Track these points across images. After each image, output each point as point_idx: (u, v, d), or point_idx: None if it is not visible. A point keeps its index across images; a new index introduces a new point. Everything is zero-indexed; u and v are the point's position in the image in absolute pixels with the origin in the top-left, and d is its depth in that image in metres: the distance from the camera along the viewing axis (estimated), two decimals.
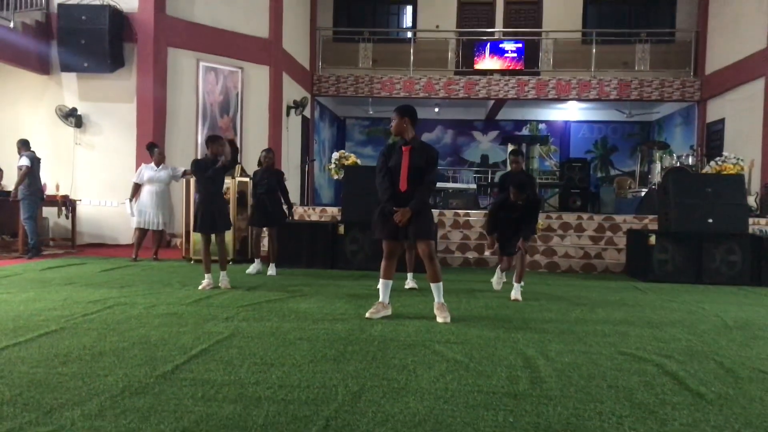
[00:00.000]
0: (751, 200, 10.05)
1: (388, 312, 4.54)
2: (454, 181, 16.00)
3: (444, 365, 3.22)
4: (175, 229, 9.37)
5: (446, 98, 14.81)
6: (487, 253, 8.22)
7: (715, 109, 13.55)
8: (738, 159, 9.74)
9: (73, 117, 10.00)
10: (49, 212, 9.57)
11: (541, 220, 8.38)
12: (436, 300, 4.51)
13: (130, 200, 8.05)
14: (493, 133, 17.33)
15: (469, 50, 15.10)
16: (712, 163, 10.02)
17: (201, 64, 10.87)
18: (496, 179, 14.97)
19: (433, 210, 5.20)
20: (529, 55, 14.92)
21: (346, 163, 10.17)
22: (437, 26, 15.42)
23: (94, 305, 4.72)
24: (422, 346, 3.62)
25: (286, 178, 7.48)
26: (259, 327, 4.06)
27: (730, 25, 12.92)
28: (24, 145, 8.26)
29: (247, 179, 8.10)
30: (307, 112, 13.99)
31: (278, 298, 5.29)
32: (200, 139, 10.68)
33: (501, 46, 14.88)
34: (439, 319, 4.36)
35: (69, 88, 10.19)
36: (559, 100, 14.89)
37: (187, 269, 7.28)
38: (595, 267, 8.31)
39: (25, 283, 5.84)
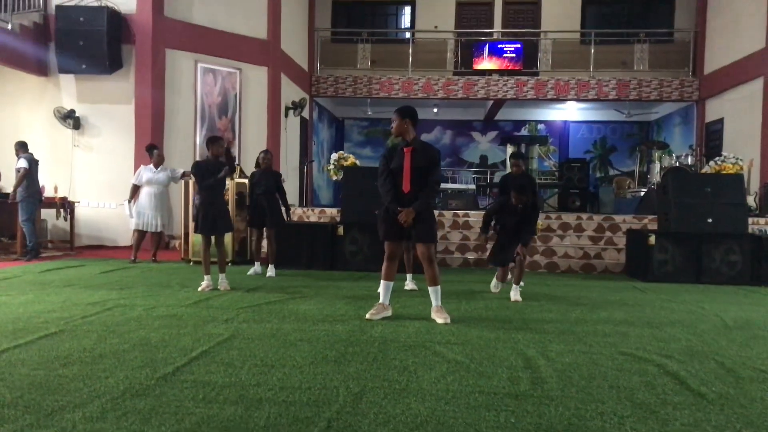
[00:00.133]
0: (751, 200, 10.05)
1: (389, 313, 4.54)
2: (453, 181, 15.99)
3: (445, 366, 3.22)
4: (174, 230, 9.35)
5: (445, 99, 14.81)
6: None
7: (714, 109, 13.56)
8: (737, 159, 9.73)
9: (71, 119, 9.98)
10: (47, 214, 9.55)
11: (541, 221, 8.38)
12: (434, 303, 4.51)
13: (129, 202, 8.04)
14: (492, 134, 17.32)
15: (468, 51, 15.11)
16: (712, 162, 10.01)
17: (199, 65, 10.86)
18: (496, 180, 15.00)
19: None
20: (528, 56, 14.94)
21: (345, 163, 10.15)
22: (436, 27, 15.43)
23: (93, 307, 4.71)
24: (423, 347, 3.62)
25: (284, 180, 7.47)
26: (260, 328, 4.06)
27: (729, 24, 12.94)
28: (22, 147, 8.27)
29: (245, 181, 8.09)
30: (305, 113, 13.99)
31: (278, 299, 5.28)
32: (199, 140, 10.68)
33: (500, 46, 14.89)
34: (440, 321, 4.36)
35: (67, 90, 10.18)
36: (558, 100, 14.89)
37: (186, 271, 7.27)
38: (594, 267, 8.32)
39: (24, 285, 5.83)
